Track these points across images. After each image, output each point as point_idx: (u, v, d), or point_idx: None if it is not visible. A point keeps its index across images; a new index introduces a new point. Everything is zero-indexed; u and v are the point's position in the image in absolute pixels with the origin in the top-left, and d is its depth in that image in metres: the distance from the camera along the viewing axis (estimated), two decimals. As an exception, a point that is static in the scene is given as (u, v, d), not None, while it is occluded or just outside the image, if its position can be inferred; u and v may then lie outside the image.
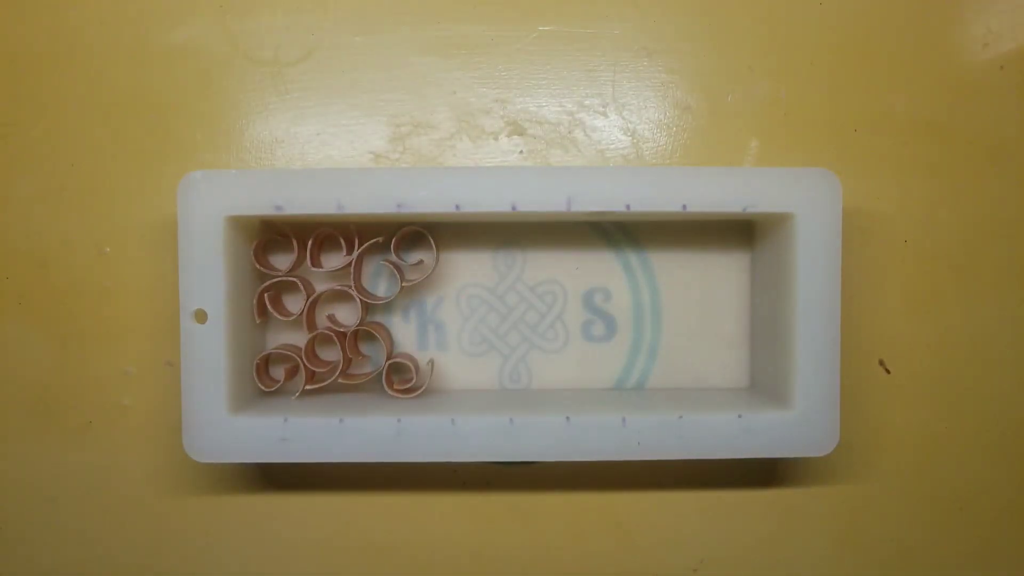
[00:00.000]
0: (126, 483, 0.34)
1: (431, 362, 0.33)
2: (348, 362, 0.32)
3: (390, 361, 0.32)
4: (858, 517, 0.34)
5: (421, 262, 0.32)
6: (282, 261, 0.32)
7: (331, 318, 0.33)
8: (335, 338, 0.32)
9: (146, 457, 0.34)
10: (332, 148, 0.33)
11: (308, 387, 0.32)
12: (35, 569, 0.34)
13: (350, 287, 0.32)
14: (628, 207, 0.29)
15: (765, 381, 0.32)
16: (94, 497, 0.34)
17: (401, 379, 0.33)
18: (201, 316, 0.29)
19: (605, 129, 0.34)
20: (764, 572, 0.34)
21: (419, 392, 0.32)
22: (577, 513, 0.34)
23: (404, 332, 0.34)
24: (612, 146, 0.34)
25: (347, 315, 0.33)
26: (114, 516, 0.34)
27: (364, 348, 0.34)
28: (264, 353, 0.32)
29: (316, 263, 0.32)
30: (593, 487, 0.34)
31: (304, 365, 0.31)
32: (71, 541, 0.34)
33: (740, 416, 0.30)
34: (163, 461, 0.34)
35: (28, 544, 0.34)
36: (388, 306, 0.34)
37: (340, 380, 0.31)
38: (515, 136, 0.34)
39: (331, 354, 0.33)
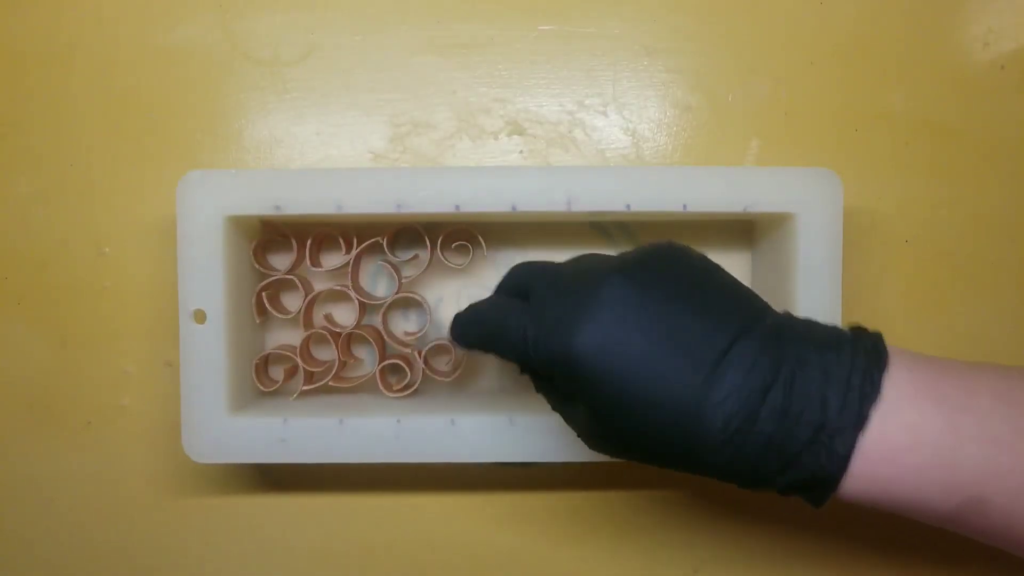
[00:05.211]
0: (125, 483, 0.34)
1: (424, 356, 0.33)
2: (342, 365, 0.32)
3: (383, 363, 0.32)
4: (859, 518, 0.34)
5: (416, 257, 0.32)
6: (281, 261, 0.32)
7: (328, 317, 0.33)
8: (330, 338, 0.32)
9: (145, 457, 0.34)
10: (332, 148, 0.33)
11: (305, 388, 0.31)
12: (35, 569, 0.34)
13: (348, 287, 0.32)
14: (628, 207, 0.29)
15: (765, 381, 0.32)
16: (93, 497, 0.34)
17: (398, 379, 0.33)
18: (200, 316, 0.29)
19: (605, 129, 0.33)
20: (765, 573, 0.34)
21: (413, 389, 0.32)
22: (577, 513, 0.34)
23: (403, 332, 0.33)
24: (612, 146, 0.33)
25: (346, 315, 0.33)
26: (114, 516, 0.34)
27: (361, 350, 0.33)
28: (263, 353, 0.32)
29: (315, 262, 0.32)
30: (593, 487, 0.34)
31: (301, 365, 0.31)
32: (71, 541, 0.34)
33: (740, 416, 0.29)
34: (162, 461, 0.34)
35: (28, 544, 0.34)
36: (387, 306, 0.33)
37: (331, 383, 0.31)
38: (515, 136, 0.33)
39: (326, 353, 0.33)
